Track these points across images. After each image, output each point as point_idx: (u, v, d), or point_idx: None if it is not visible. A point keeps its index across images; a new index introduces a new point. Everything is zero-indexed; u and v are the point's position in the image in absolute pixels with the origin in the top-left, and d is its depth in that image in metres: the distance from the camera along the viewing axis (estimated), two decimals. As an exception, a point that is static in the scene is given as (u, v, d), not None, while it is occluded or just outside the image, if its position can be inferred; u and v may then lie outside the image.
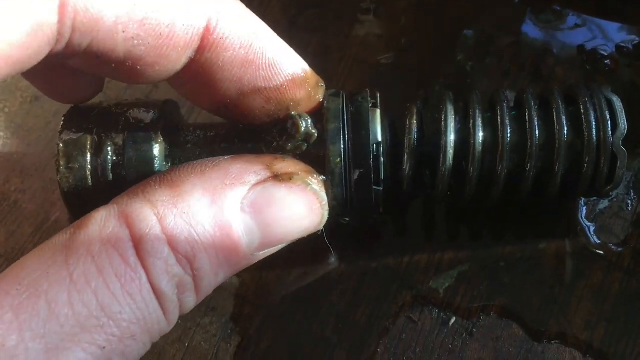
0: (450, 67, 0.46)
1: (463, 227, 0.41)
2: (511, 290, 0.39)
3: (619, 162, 0.35)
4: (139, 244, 0.27)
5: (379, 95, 0.36)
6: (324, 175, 0.33)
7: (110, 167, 0.33)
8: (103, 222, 0.27)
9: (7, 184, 0.44)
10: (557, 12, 0.47)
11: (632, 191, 0.41)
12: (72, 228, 0.27)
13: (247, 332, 0.39)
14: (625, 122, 0.35)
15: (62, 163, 0.33)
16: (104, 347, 0.26)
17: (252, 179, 0.30)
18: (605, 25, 0.46)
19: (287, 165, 0.32)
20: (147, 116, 0.35)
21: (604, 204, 0.41)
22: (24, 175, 0.44)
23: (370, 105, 0.35)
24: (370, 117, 0.34)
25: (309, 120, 0.33)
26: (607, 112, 0.35)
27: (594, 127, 0.35)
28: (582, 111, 0.35)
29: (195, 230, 0.28)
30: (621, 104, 0.35)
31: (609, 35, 0.46)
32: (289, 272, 0.40)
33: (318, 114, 0.34)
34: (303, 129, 0.33)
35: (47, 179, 0.43)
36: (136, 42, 0.28)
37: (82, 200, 0.33)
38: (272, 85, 0.32)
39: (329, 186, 0.33)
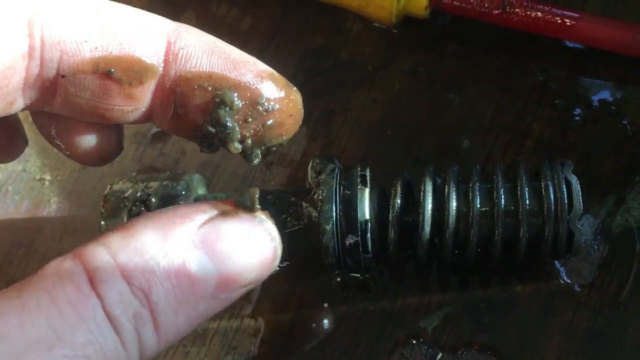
0: (438, 128, 0.52)
1: (449, 274, 0.47)
2: (491, 329, 0.45)
3: (575, 238, 0.40)
4: (92, 275, 0.28)
5: (368, 170, 0.43)
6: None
7: None
8: (57, 263, 0.28)
9: (61, 242, 0.52)
10: (534, 74, 0.52)
11: (598, 237, 0.46)
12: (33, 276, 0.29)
13: (264, 368, 0.46)
14: (581, 204, 0.40)
15: None
16: None
17: (201, 216, 0.31)
18: (577, 82, 0.52)
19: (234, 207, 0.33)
20: (176, 192, 0.42)
21: (574, 249, 0.46)
22: (75, 235, 0.52)
23: (359, 184, 0.41)
24: (358, 197, 0.41)
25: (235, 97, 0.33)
26: (565, 194, 0.40)
27: (552, 209, 0.40)
28: (544, 194, 0.40)
29: (148, 264, 0.29)
30: (579, 187, 0.41)
31: (580, 92, 0.51)
32: (298, 315, 0.47)
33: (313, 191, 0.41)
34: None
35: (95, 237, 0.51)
36: (100, 52, 0.31)
37: None
38: (243, 83, 0.33)
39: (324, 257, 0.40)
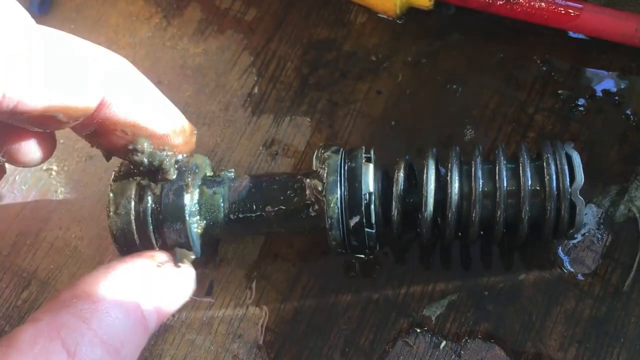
0: (441, 119, 0.52)
1: (453, 262, 0.47)
2: (494, 317, 0.45)
3: (577, 209, 0.40)
4: (74, 353, 0.33)
5: (372, 150, 0.44)
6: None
7: (150, 213, 0.41)
8: (34, 338, 0.32)
9: (68, 231, 0.52)
10: (537, 65, 0.53)
11: (602, 226, 0.47)
12: (3, 347, 0.32)
13: (269, 356, 0.46)
14: (582, 175, 0.40)
15: (111, 209, 0.41)
16: None
17: (148, 266, 0.40)
18: (581, 72, 0.52)
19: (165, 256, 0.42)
20: (181, 169, 0.42)
21: (577, 238, 0.46)
22: (82, 224, 0.52)
23: (364, 160, 0.42)
24: (363, 171, 0.41)
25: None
26: (566, 166, 0.41)
27: (554, 179, 0.40)
28: (545, 166, 0.41)
29: (119, 325, 0.36)
30: (580, 160, 0.41)
31: (583, 82, 0.51)
32: (302, 304, 0.47)
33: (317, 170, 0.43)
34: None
35: (101, 227, 0.52)
36: (50, 104, 0.34)
37: (128, 240, 0.42)
38: (157, 135, 0.40)
39: (328, 229, 0.41)
